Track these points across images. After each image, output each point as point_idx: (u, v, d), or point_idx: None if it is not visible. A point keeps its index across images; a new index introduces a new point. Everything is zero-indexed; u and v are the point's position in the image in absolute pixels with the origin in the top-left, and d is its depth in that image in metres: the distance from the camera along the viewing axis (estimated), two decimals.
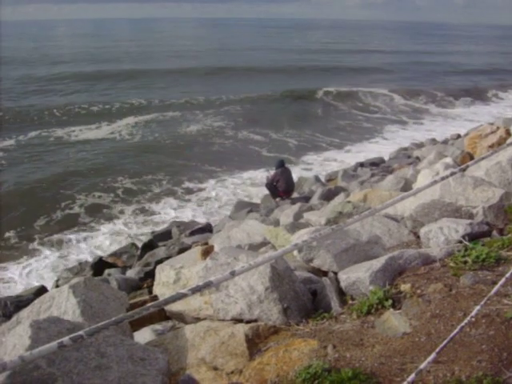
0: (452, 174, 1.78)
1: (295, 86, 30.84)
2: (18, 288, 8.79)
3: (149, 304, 1.00)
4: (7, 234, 11.20)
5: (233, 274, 1.08)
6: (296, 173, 13.53)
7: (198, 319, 3.67)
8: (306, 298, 3.58)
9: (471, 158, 9.25)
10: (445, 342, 2.05)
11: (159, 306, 1.02)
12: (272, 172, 11.57)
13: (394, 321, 2.95)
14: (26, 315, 3.28)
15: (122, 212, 12.58)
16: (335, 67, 40.90)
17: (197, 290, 1.04)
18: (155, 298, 4.72)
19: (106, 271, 8.15)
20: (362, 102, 27.45)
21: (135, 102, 26.24)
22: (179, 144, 19.12)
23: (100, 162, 16.65)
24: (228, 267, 3.60)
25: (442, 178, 1.65)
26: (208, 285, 1.06)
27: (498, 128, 9.46)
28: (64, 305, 3.28)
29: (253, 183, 14.37)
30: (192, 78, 33.88)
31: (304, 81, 33.57)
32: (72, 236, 11.24)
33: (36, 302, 3.43)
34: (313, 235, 1.36)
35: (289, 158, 16.45)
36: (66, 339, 0.93)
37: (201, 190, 14.05)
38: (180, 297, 1.03)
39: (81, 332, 0.93)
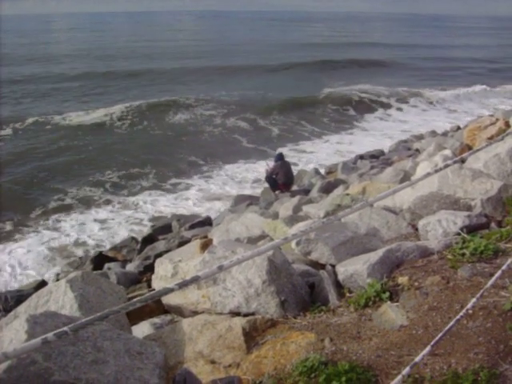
0: (446, 166, 1.77)
1: (295, 82, 30.82)
2: (12, 274, 8.96)
3: (135, 299, 0.99)
4: (1, 221, 11.36)
5: (220, 268, 1.08)
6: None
7: (195, 313, 3.66)
8: (303, 291, 3.58)
9: (470, 150, 9.22)
10: (440, 334, 2.04)
11: (145, 301, 1.02)
12: (271, 165, 11.54)
13: (392, 313, 2.95)
14: (24, 310, 3.27)
15: (110, 202, 12.83)
16: (336, 61, 40.56)
17: (184, 284, 1.04)
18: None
19: (106, 265, 8.17)
20: (354, 93, 27.28)
21: (132, 97, 26.21)
22: (172, 135, 19.49)
23: (90, 151, 17.05)
24: (225, 261, 3.59)
25: (436, 171, 1.64)
26: (195, 279, 1.06)
27: (497, 120, 9.42)
28: (61, 299, 3.28)
29: (241, 177, 14.52)
30: (192, 77, 33.65)
31: (303, 77, 33.48)
32: (64, 224, 11.41)
33: (33, 296, 3.43)
34: (303, 229, 1.35)
35: (268, 151, 16.86)
36: (49, 335, 0.92)
37: (185, 183, 14.22)
38: (166, 292, 1.03)
39: (65, 328, 0.92)
